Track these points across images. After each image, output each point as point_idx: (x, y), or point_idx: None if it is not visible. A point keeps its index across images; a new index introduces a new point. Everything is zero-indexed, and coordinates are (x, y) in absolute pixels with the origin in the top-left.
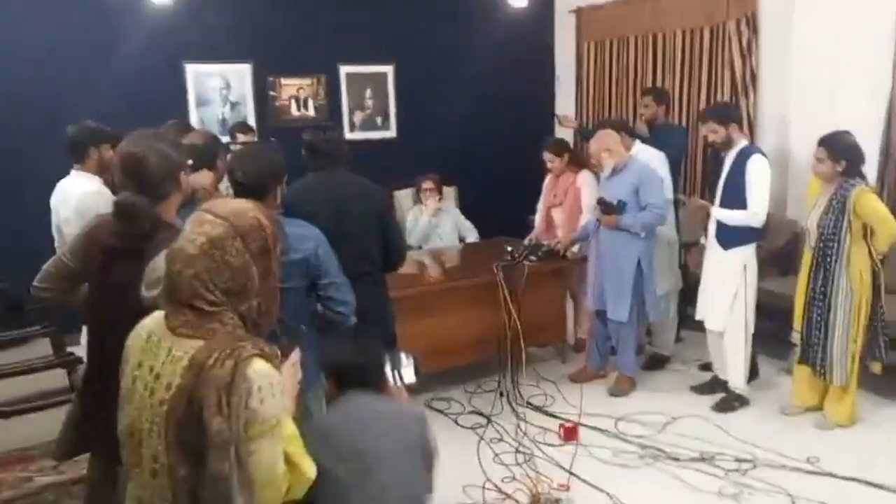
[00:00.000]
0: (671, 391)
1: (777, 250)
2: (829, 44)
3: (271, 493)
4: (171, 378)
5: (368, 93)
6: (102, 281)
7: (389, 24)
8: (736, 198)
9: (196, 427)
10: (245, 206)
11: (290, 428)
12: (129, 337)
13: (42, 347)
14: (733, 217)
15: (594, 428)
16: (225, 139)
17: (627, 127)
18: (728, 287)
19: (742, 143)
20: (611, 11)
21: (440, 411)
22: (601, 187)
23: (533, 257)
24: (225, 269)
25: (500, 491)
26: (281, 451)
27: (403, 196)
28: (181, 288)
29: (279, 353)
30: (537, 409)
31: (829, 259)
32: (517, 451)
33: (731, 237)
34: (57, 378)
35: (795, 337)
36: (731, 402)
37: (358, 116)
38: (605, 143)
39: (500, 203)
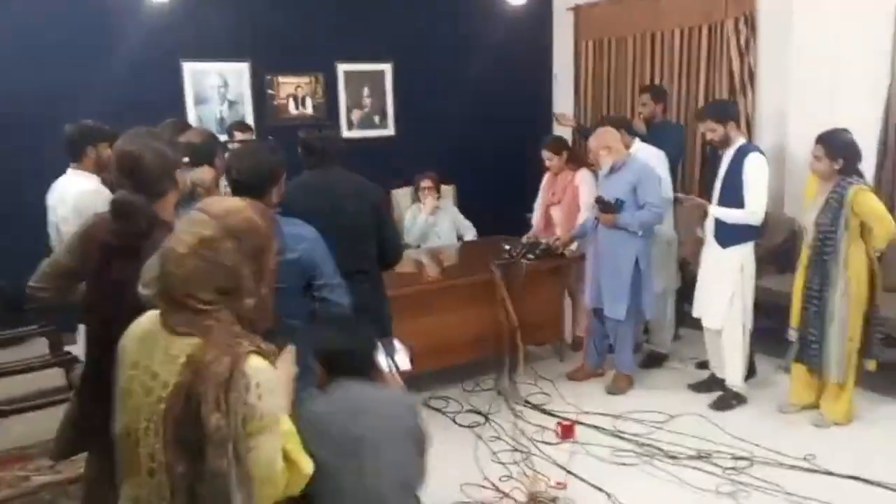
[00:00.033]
0: (669, 389)
1: (775, 248)
2: (827, 42)
3: (270, 490)
4: (168, 376)
5: (366, 91)
6: (100, 279)
7: (387, 22)
8: (734, 196)
9: (194, 424)
10: (239, 204)
11: (286, 424)
12: (123, 336)
13: (40, 346)
14: (732, 215)
15: (592, 426)
16: (223, 138)
17: (628, 124)
18: (726, 285)
19: (740, 141)
20: (609, 10)
21: (438, 410)
22: (599, 185)
23: (531, 255)
24: (217, 269)
25: (497, 489)
26: (279, 447)
27: (402, 194)
28: (174, 288)
29: (276, 350)
30: (535, 407)
31: (826, 257)
32: (515, 449)
33: (729, 235)
34: (55, 377)
35: (792, 335)
36: (728, 400)
37: (356, 115)
38: (604, 140)
39: (499, 201)
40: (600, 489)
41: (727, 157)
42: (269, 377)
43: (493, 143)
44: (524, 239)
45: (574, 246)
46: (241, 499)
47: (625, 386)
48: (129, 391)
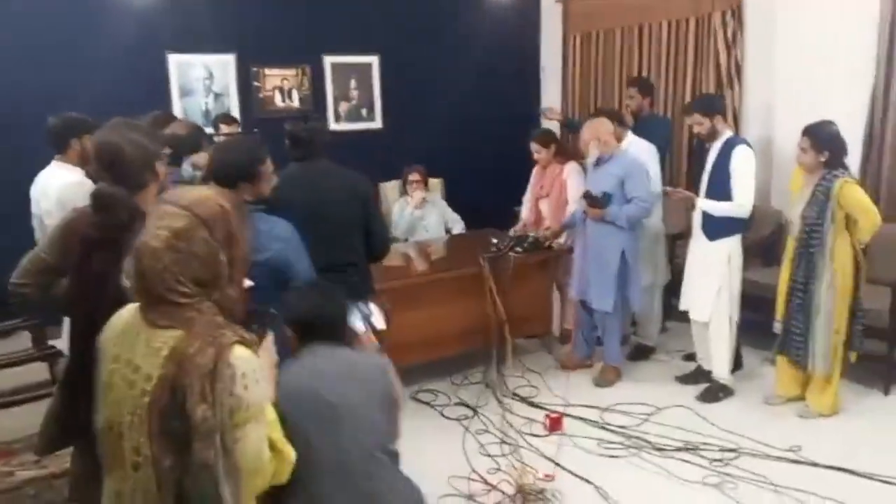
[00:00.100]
0: (656, 381)
1: (761, 241)
2: (813, 36)
3: (258, 480)
4: (151, 369)
5: (353, 83)
6: (82, 272)
7: (374, 14)
8: (721, 189)
9: (180, 416)
10: (207, 192)
11: (271, 414)
12: (103, 330)
13: (24, 341)
14: (719, 208)
15: (579, 418)
16: (209, 130)
17: (621, 117)
18: (713, 278)
19: (727, 134)
20: (596, 3)
21: (426, 403)
22: (588, 178)
23: (519, 248)
24: (192, 260)
25: (485, 482)
26: (265, 436)
27: (389, 188)
28: (152, 283)
29: (257, 339)
30: (523, 400)
31: (812, 249)
32: (503, 442)
33: (716, 228)
34: (39, 371)
35: (778, 327)
36: (715, 392)
37: (343, 107)
38: (597, 131)
39: (487, 195)
40: (588, 481)
41: (714, 149)
42: (253, 367)
43: (480, 137)
44: (512, 232)
45: (562, 238)
46: (229, 490)
47: (613, 378)
48: (110, 385)
